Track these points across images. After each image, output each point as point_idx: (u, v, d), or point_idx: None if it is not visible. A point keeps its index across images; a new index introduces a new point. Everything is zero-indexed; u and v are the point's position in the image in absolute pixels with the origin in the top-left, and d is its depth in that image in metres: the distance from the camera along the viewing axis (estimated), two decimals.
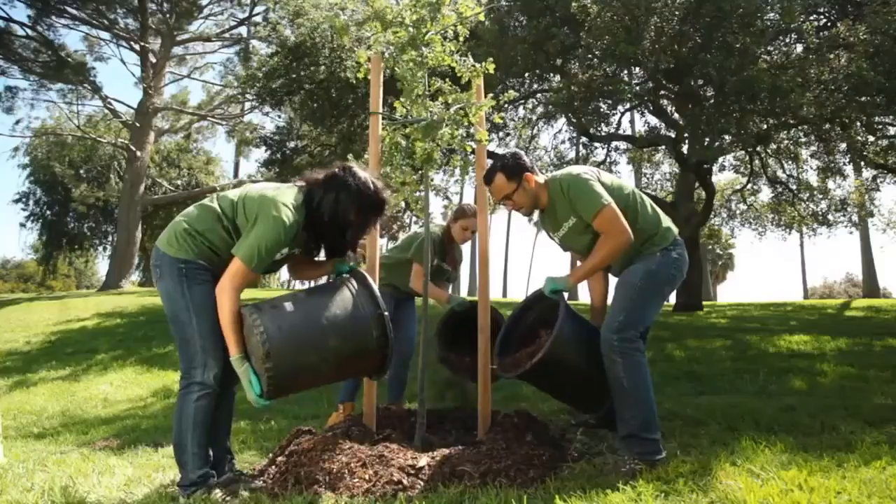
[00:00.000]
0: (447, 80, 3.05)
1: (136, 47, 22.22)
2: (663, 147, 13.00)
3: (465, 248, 4.35)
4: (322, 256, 2.74)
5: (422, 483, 2.35)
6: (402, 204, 3.15)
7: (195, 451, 2.38)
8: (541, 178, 2.91)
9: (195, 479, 2.38)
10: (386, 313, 2.44)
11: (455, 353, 3.56)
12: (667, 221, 2.84)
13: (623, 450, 2.57)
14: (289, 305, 2.37)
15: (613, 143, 13.50)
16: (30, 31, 19.66)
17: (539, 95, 12.68)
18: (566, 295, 2.80)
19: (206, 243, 2.43)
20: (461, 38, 2.99)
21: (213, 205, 2.48)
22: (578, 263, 2.99)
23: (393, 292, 3.94)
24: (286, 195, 2.44)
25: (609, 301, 3.00)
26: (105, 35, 22.38)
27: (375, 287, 2.50)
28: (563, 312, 2.67)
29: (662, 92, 10.95)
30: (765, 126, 9.20)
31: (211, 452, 2.50)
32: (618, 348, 2.58)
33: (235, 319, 2.34)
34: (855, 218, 14.13)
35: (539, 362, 2.61)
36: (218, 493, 2.35)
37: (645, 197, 2.88)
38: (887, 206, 28.47)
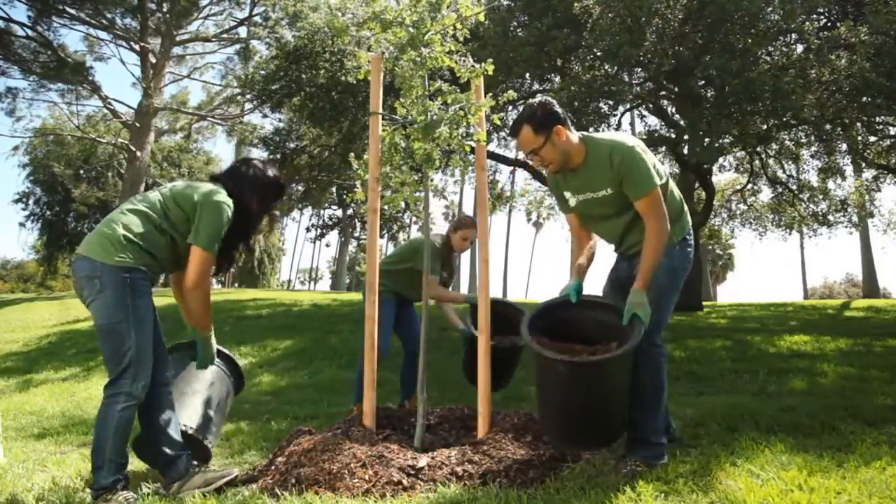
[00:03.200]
0: (447, 81, 3.05)
1: (136, 47, 22.22)
2: (663, 147, 13.01)
3: (465, 255, 4.54)
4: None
5: (422, 483, 2.35)
6: (402, 204, 3.15)
7: (111, 458, 2.41)
8: (574, 136, 2.62)
9: (107, 484, 2.40)
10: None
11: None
12: (685, 208, 2.80)
13: (629, 452, 2.55)
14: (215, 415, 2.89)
15: None
16: (30, 31, 19.67)
17: (539, 95, 12.68)
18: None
19: (145, 246, 2.49)
20: (461, 39, 2.99)
21: (139, 207, 2.56)
22: (575, 258, 2.82)
23: (394, 297, 4.05)
24: (215, 187, 2.63)
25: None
26: (104, 35, 22.40)
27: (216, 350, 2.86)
28: (637, 336, 2.38)
29: (663, 92, 10.95)
30: (765, 127, 9.21)
31: (172, 452, 2.61)
32: (645, 351, 2.52)
33: (207, 307, 2.65)
34: (855, 218, 14.13)
35: (601, 362, 2.34)
36: (123, 496, 2.38)
37: (672, 181, 2.77)
38: (887, 206, 28.48)
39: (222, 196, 2.58)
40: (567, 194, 2.76)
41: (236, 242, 2.74)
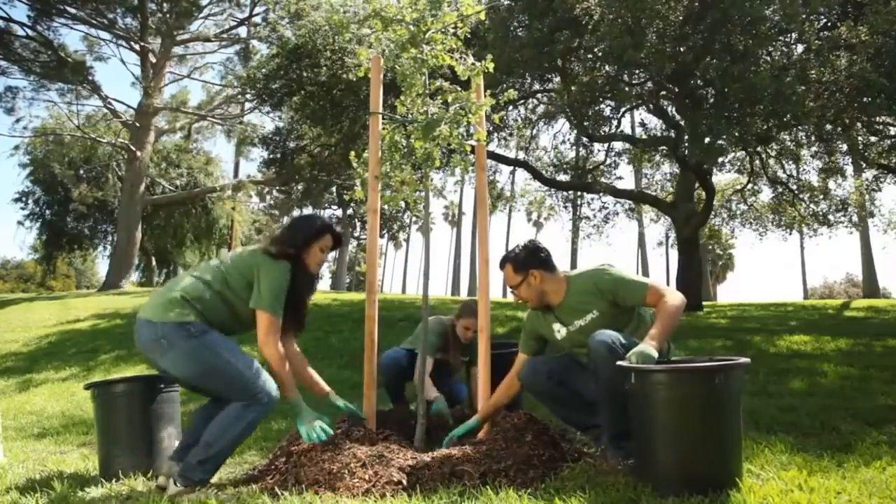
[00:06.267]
0: (448, 80, 3.05)
1: (136, 47, 22.20)
2: (664, 147, 13.01)
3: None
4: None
5: (422, 483, 2.35)
6: (402, 204, 3.14)
7: (218, 461, 2.54)
8: (558, 276, 2.87)
9: (196, 480, 2.45)
10: None
11: None
12: None
13: (612, 451, 2.57)
14: None
15: (613, 144, 13.50)
16: (30, 31, 19.66)
17: (539, 95, 12.68)
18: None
19: (201, 309, 2.54)
20: (461, 37, 2.99)
21: (199, 275, 2.63)
22: (498, 396, 2.97)
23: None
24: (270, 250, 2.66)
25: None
26: (105, 35, 22.39)
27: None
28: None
29: (663, 93, 10.95)
30: (765, 127, 9.20)
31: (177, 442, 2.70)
32: (622, 357, 2.49)
33: (285, 366, 2.61)
34: (855, 218, 14.13)
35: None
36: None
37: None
38: (888, 206, 28.54)
39: (277, 257, 2.63)
40: (556, 327, 2.91)
41: (301, 303, 2.76)
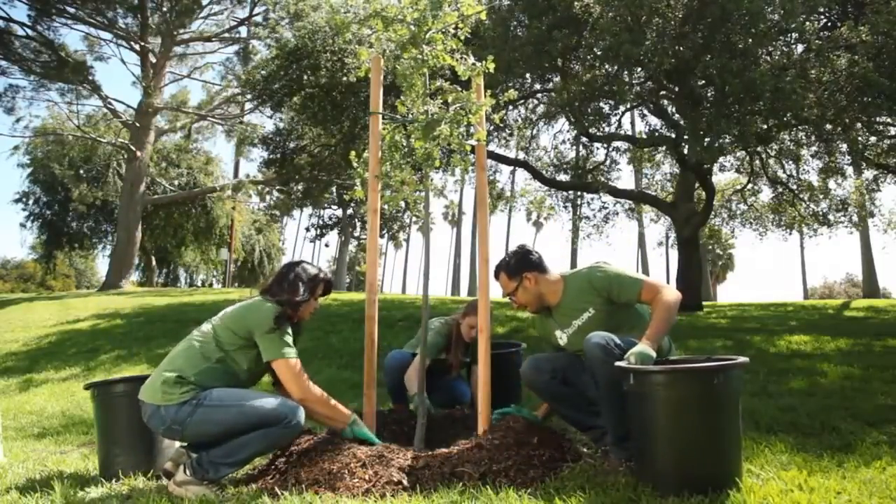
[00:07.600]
0: (448, 80, 3.05)
1: (136, 47, 22.20)
2: (664, 147, 13.00)
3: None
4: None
5: (422, 483, 2.35)
6: (402, 204, 3.14)
7: (233, 468, 2.56)
8: (553, 276, 2.92)
9: (216, 478, 2.50)
10: None
11: None
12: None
13: (615, 452, 2.57)
14: None
15: (613, 143, 13.49)
16: (30, 31, 19.67)
17: (539, 95, 12.67)
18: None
19: (197, 379, 2.54)
20: (462, 38, 2.98)
21: (195, 346, 2.61)
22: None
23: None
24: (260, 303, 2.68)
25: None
26: (105, 35, 22.40)
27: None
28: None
29: (663, 92, 10.95)
30: (765, 126, 9.20)
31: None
32: (619, 357, 2.50)
33: (327, 400, 2.71)
34: (855, 218, 14.12)
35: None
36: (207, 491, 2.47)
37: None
38: (888, 206, 28.50)
39: (264, 304, 2.64)
40: (557, 333, 2.94)
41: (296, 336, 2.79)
